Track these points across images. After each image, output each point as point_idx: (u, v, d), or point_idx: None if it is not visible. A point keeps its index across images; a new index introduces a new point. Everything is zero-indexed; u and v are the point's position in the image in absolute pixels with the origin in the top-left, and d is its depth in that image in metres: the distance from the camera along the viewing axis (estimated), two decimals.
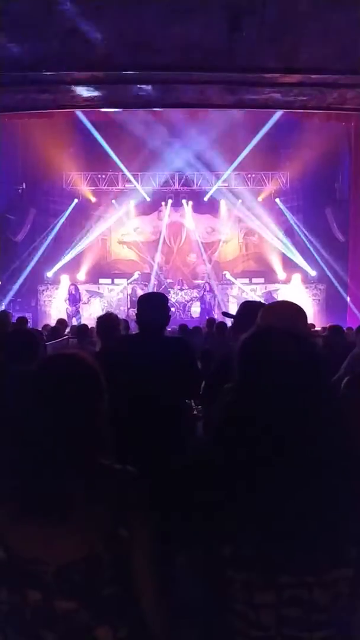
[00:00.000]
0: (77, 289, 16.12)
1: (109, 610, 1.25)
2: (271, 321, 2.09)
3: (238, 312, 3.08)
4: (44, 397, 1.30)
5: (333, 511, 1.14)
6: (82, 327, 7.32)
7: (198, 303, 16.51)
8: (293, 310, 2.17)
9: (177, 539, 1.22)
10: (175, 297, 16.50)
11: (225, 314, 5.16)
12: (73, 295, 15.87)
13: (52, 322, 11.71)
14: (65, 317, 13.64)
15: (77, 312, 15.57)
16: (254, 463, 1.16)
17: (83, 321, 12.95)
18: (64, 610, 1.23)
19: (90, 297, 16.73)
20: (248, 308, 2.86)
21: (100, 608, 1.24)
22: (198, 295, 16.51)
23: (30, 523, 1.25)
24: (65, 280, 16.42)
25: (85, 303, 16.33)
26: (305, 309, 2.21)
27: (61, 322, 10.10)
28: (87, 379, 1.35)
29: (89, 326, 7.19)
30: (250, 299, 14.06)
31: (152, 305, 3.24)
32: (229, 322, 11.82)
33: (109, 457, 1.37)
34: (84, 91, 7.54)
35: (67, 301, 15.79)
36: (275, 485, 1.14)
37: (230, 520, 1.15)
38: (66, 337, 7.37)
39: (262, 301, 7.80)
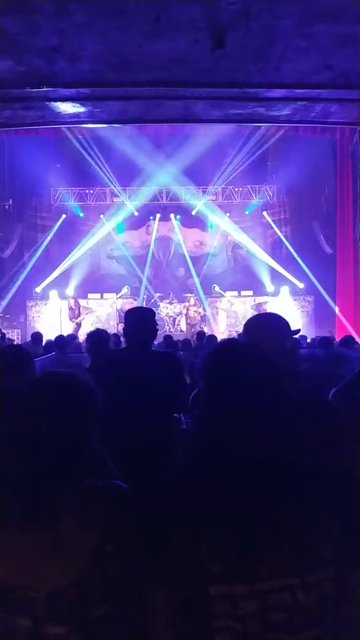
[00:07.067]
0: (77, 303, 15.83)
1: (99, 632, 1.23)
2: (244, 336, 2.11)
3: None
4: (34, 417, 1.27)
5: (310, 514, 1.15)
6: (68, 340, 7.28)
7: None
8: (261, 324, 2.17)
9: (158, 562, 1.19)
10: (165, 310, 16.49)
11: None
12: (73, 310, 15.61)
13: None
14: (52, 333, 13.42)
15: (79, 326, 15.20)
16: (227, 474, 1.16)
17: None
18: (55, 636, 1.21)
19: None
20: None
21: (91, 630, 1.22)
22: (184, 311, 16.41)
23: (18, 549, 1.22)
24: (54, 295, 16.34)
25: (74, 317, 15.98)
26: (293, 321, 2.21)
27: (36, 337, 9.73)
28: (81, 400, 1.32)
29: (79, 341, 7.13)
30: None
31: (138, 320, 3.22)
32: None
33: (96, 473, 1.35)
34: (69, 107, 7.54)
35: (68, 316, 15.47)
36: (251, 494, 1.14)
37: (210, 532, 1.14)
38: (54, 353, 7.32)
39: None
